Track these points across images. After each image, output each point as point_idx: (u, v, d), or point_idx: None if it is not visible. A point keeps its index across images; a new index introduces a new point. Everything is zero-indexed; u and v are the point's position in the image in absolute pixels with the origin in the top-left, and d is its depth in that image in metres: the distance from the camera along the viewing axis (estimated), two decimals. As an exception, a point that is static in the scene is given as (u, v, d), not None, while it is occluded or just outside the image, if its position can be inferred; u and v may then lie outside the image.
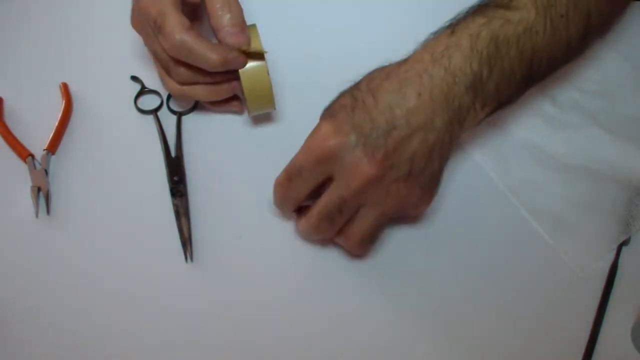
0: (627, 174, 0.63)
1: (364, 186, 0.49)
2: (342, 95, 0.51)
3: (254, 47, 0.56)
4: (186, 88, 0.60)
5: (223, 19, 0.54)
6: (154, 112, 0.66)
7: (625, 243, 0.59)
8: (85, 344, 0.54)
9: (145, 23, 0.57)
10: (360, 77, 0.52)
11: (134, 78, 0.69)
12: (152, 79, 0.68)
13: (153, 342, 0.54)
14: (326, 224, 0.52)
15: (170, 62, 0.58)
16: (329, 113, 0.50)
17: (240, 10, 0.55)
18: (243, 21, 0.55)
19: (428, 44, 0.51)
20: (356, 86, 0.51)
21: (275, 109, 0.61)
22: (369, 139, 0.48)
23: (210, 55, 0.54)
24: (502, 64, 0.51)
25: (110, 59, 0.71)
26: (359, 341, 0.55)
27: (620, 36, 0.72)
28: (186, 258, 0.58)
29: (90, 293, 0.56)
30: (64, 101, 0.66)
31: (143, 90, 0.68)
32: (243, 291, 0.57)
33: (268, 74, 0.57)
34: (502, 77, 0.52)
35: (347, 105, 0.50)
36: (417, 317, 0.56)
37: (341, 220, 0.52)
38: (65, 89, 0.67)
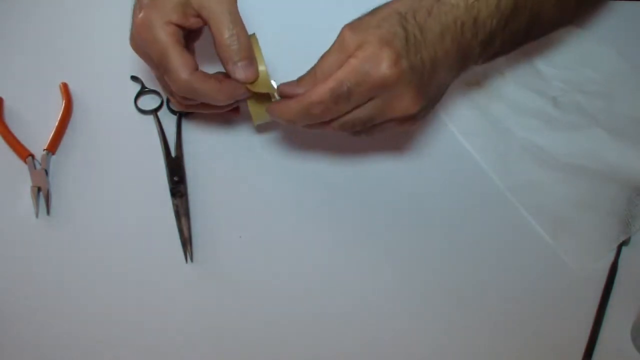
0: (627, 174, 0.63)
1: (399, 118, 0.51)
2: (388, 18, 0.49)
3: (258, 68, 0.54)
4: (190, 105, 0.58)
5: (231, 50, 0.51)
6: (154, 112, 0.66)
7: (625, 243, 0.59)
8: (85, 343, 0.54)
9: (145, 55, 0.54)
10: (400, 2, 0.50)
11: (134, 78, 0.69)
12: (152, 79, 0.68)
13: (153, 342, 0.54)
14: (332, 103, 0.50)
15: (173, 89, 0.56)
16: (385, 39, 0.48)
17: (248, 40, 0.52)
18: (251, 51, 0.53)
19: None
20: (403, 15, 0.49)
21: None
22: (421, 79, 0.49)
23: (217, 96, 0.53)
24: (513, 25, 0.53)
25: (110, 59, 0.71)
26: (360, 340, 0.55)
27: (620, 36, 0.72)
28: (186, 258, 0.58)
29: (90, 293, 0.56)
30: (64, 101, 0.66)
31: (143, 90, 0.68)
32: (243, 291, 0.57)
33: (272, 87, 0.55)
34: (509, 37, 0.54)
35: (399, 35, 0.49)
36: (417, 316, 0.56)
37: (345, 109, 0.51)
38: (65, 89, 0.67)
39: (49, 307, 0.55)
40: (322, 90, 0.49)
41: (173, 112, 0.67)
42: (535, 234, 0.60)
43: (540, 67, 0.70)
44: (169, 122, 0.66)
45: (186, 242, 0.58)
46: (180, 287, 0.57)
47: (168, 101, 0.67)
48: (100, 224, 0.60)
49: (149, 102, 0.67)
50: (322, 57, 0.51)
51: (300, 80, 0.52)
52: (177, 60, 0.51)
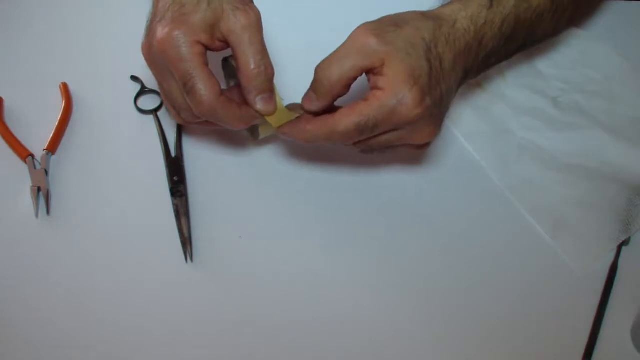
0: (627, 174, 0.63)
1: (416, 145, 0.53)
2: (416, 46, 0.49)
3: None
4: (193, 123, 0.56)
5: (256, 82, 0.50)
6: (154, 112, 0.66)
7: (625, 243, 0.59)
8: (85, 343, 0.54)
9: (160, 69, 0.53)
10: (422, 23, 0.51)
11: (134, 78, 0.69)
12: (152, 79, 0.68)
13: (153, 342, 0.54)
14: (357, 134, 0.51)
15: (183, 106, 0.54)
16: (413, 74, 0.49)
17: (273, 73, 0.51)
18: (272, 83, 0.52)
19: (472, 14, 0.52)
20: (429, 46, 0.50)
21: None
22: (439, 111, 0.51)
23: (236, 123, 0.52)
24: (511, 44, 0.55)
25: (110, 59, 0.71)
26: (360, 340, 0.55)
27: (620, 36, 0.72)
28: (186, 258, 0.58)
29: (90, 293, 0.56)
30: (64, 101, 0.66)
31: (143, 90, 0.68)
32: (243, 291, 0.57)
33: (289, 116, 0.53)
34: (505, 54, 0.56)
35: (425, 69, 0.49)
36: (416, 316, 0.56)
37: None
38: (65, 89, 0.67)
39: (49, 306, 0.55)
40: (348, 122, 0.49)
41: (173, 112, 0.67)
42: (535, 234, 0.60)
43: (540, 67, 0.70)
44: (169, 122, 0.66)
45: (186, 242, 0.58)
46: (180, 287, 0.57)
47: (168, 101, 0.67)
48: (100, 224, 0.60)
49: (149, 102, 0.67)
50: (336, 59, 0.50)
51: (313, 85, 0.51)
52: (205, 83, 0.50)
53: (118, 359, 0.53)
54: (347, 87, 0.51)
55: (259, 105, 0.51)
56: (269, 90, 0.51)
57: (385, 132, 0.51)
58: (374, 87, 0.49)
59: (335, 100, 0.52)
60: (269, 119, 0.53)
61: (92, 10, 0.75)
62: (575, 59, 0.71)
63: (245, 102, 0.52)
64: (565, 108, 0.67)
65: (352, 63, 0.49)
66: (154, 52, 0.52)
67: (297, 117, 0.53)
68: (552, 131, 0.66)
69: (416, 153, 0.64)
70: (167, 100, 0.55)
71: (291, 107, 0.53)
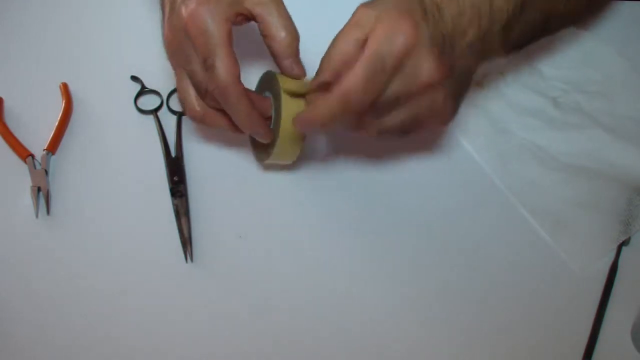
0: (627, 174, 0.63)
1: (425, 88, 0.50)
2: (409, 3, 0.49)
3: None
4: (210, 113, 0.56)
5: (290, 48, 0.53)
6: (154, 112, 0.66)
7: (625, 243, 0.59)
8: (85, 343, 0.54)
9: (187, 47, 0.52)
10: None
11: (134, 78, 0.69)
12: (152, 79, 0.68)
13: (153, 342, 0.54)
14: (372, 84, 0.49)
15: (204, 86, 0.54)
16: (402, 10, 0.48)
17: (299, 38, 0.53)
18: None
19: None
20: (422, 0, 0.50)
21: (293, 160, 0.58)
22: (441, 48, 0.49)
23: (242, 119, 0.52)
24: (529, 13, 0.54)
25: (110, 59, 0.71)
26: (360, 340, 0.55)
27: (620, 36, 0.72)
28: (186, 258, 0.58)
29: (90, 293, 0.56)
30: (64, 101, 0.66)
31: (143, 90, 0.68)
32: (243, 291, 0.57)
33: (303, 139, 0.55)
34: (525, 26, 0.55)
35: (417, 9, 0.48)
36: (416, 316, 0.56)
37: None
38: (65, 89, 0.67)
39: (48, 306, 0.55)
40: (356, 76, 0.47)
41: (173, 112, 0.67)
42: (535, 234, 0.60)
43: (540, 67, 0.70)
44: (169, 122, 0.66)
45: (186, 242, 0.58)
46: (180, 287, 0.57)
47: (168, 101, 0.67)
48: (100, 223, 0.60)
49: (149, 102, 0.67)
50: (337, 38, 0.50)
51: (318, 71, 0.51)
52: (228, 60, 0.50)
53: (118, 358, 0.53)
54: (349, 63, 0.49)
55: (296, 69, 0.53)
56: (298, 54, 0.54)
57: (401, 102, 0.50)
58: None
59: (339, 74, 0.49)
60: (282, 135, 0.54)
61: (92, 11, 0.75)
62: (576, 59, 0.71)
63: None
64: (566, 108, 0.67)
65: (350, 38, 0.48)
66: (177, 34, 0.52)
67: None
68: (552, 131, 0.66)
69: (417, 150, 0.64)
70: (182, 81, 0.55)
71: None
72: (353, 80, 0.47)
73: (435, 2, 0.50)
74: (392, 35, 0.47)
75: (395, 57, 0.47)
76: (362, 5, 0.49)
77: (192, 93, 0.55)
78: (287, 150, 0.56)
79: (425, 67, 0.48)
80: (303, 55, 0.54)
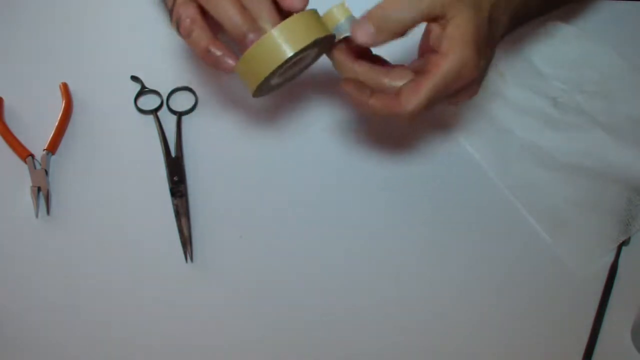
0: (627, 174, 0.63)
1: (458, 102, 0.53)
2: (481, 10, 0.49)
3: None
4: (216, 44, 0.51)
5: None
6: (154, 112, 0.66)
7: (625, 243, 0.59)
8: (85, 343, 0.54)
9: None
10: None
11: (134, 78, 0.69)
12: (152, 79, 0.68)
13: (153, 342, 0.54)
14: (427, 109, 0.50)
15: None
16: (475, 37, 0.48)
17: None
18: None
19: None
20: (493, 9, 0.50)
21: (251, 92, 0.52)
22: (486, 69, 0.51)
23: (230, 25, 0.48)
24: (548, 5, 0.56)
25: (110, 59, 0.71)
26: (360, 339, 0.55)
27: (620, 36, 0.72)
28: (186, 258, 0.58)
29: (90, 293, 0.56)
30: (64, 101, 0.66)
31: (143, 90, 0.68)
32: (243, 291, 0.57)
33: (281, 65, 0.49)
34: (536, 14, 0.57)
35: (485, 29, 0.49)
36: (415, 316, 0.56)
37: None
38: (65, 89, 0.67)
39: (48, 306, 0.55)
40: (417, 103, 0.48)
41: (173, 112, 0.67)
42: (535, 234, 0.60)
43: (540, 67, 0.70)
44: (169, 122, 0.66)
45: (186, 242, 0.58)
46: (180, 287, 0.57)
47: (168, 101, 0.67)
48: (100, 224, 0.60)
49: (149, 102, 0.67)
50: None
51: (376, 24, 0.48)
52: None
53: (118, 358, 0.53)
54: (410, 30, 0.49)
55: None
56: None
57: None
58: (434, 50, 0.48)
59: (393, 40, 0.49)
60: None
61: (92, 10, 0.75)
62: (575, 59, 0.71)
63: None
64: (565, 108, 0.67)
65: (426, 9, 0.47)
66: None
67: (353, 81, 0.50)
68: (552, 131, 0.66)
69: (417, 150, 0.64)
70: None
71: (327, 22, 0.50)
72: (413, 106, 0.48)
73: (497, 18, 0.50)
74: (461, 68, 0.48)
75: (456, 88, 0.49)
76: None
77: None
78: (246, 71, 0.50)
79: (470, 91, 0.51)
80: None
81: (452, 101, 0.52)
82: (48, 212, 0.60)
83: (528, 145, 0.65)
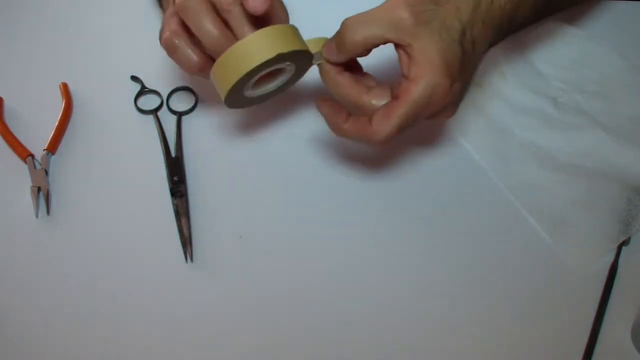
0: (627, 174, 0.63)
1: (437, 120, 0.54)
2: (450, 30, 0.48)
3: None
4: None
5: None
6: (154, 112, 0.66)
7: (625, 243, 0.59)
8: (85, 343, 0.54)
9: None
10: (462, 1, 0.50)
11: (134, 78, 0.69)
12: (152, 79, 0.68)
13: (153, 342, 0.54)
14: (398, 135, 0.51)
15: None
16: (445, 62, 0.48)
17: None
18: None
19: None
20: (463, 31, 0.49)
21: (223, 100, 0.51)
22: (464, 91, 0.51)
23: (203, 30, 0.49)
24: (539, 17, 0.56)
25: (110, 59, 0.71)
26: (359, 340, 0.55)
27: (620, 36, 0.72)
28: (186, 258, 0.58)
29: (90, 293, 0.56)
30: (64, 101, 0.66)
31: (143, 90, 0.68)
32: (243, 291, 0.57)
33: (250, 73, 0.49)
34: (528, 23, 0.56)
35: (458, 55, 0.48)
36: (415, 316, 0.56)
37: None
38: (65, 89, 0.67)
39: (48, 307, 0.55)
40: (388, 129, 0.49)
41: (173, 112, 0.67)
42: (535, 234, 0.60)
43: (540, 67, 0.70)
44: (169, 122, 0.66)
45: (186, 242, 0.58)
46: (180, 287, 0.57)
47: (168, 101, 0.67)
48: (100, 224, 0.60)
49: (149, 102, 0.67)
50: (367, 19, 0.48)
51: (337, 42, 0.50)
52: None
53: (118, 359, 0.53)
54: (368, 51, 0.50)
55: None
56: None
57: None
58: (404, 76, 0.49)
59: (354, 58, 0.51)
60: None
61: (93, 11, 0.75)
62: (575, 59, 0.71)
63: None
64: (565, 108, 0.67)
65: (381, 32, 0.48)
66: None
67: (329, 103, 0.52)
68: (552, 131, 0.66)
69: (417, 150, 0.64)
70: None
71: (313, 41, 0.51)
72: (384, 133, 0.49)
73: (474, 37, 0.50)
74: (431, 95, 0.48)
75: (428, 113, 0.50)
76: (405, 7, 0.48)
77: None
78: (223, 74, 0.50)
79: (446, 113, 0.52)
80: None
81: (429, 121, 0.53)
82: (48, 212, 0.60)
83: (528, 145, 0.65)
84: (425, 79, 0.47)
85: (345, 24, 0.49)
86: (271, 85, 0.53)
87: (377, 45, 0.49)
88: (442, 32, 0.48)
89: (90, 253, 0.58)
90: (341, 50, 0.49)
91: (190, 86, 0.68)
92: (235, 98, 0.52)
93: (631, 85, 0.69)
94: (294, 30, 0.51)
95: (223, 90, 0.50)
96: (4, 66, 0.70)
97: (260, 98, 0.54)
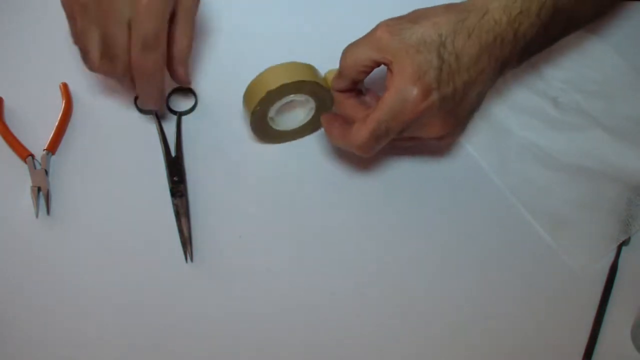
0: (627, 174, 0.63)
1: (430, 138, 0.55)
2: (428, 44, 0.51)
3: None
4: (107, 70, 0.59)
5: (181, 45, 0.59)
6: (154, 112, 0.66)
7: (625, 243, 0.59)
8: (85, 343, 0.54)
9: (122, 5, 0.55)
10: (442, 17, 0.51)
11: (134, 78, 0.69)
12: (152, 79, 0.68)
13: (153, 342, 0.54)
14: (374, 142, 0.54)
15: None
16: (418, 71, 0.50)
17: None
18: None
19: (506, 3, 0.52)
20: (443, 42, 0.51)
21: (251, 128, 0.61)
22: (451, 106, 0.52)
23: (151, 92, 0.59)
24: (552, 30, 0.55)
25: (110, 59, 0.71)
26: (359, 340, 0.55)
27: (620, 36, 0.72)
28: (186, 258, 0.58)
29: (90, 293, 0.56)
30: (64, 101, 0.66)
31: (143, 90, 0.68)
32: (243, 291, 0.57)
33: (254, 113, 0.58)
34: (546, 41, 0.57)
35: (434, 65, 0.50)
36: (415, 316, 0.56)
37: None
38: (65, 89, 0.67)
39: (48, 307, 0.55)
40: (363, 135, 0.52)
41: (173, 112, 0.67)
42: (535, 234, 0.60)
43: (540, 67, 0.70)
44: (169, 122, 0.66)
45: (186, 242, 0.58)
46: (180, 287, 0.57)
47: (168, 101, 0.67)
48: (100, 224, 0.60)
49: (149, 102, 0.67)
50: (357, 45, 0.53)
51: (339, 74, 0.56)
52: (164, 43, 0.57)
53: (118, 359, 0.53)
54: (364, 74, 0.54)
55: (179, 69, 0.61)
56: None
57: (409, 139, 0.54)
58: (386, 87, 0.52)
59: (354, 83, 0.56)
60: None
61: (92, 10, 0.75)
62: (575, 59, 0.71)
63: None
64: (565, 108, 0.67)
65: (366, 54, 0.52)
66: None
67: (331, 114, 0.58)
68: (552, 131, 0.66)
69: (426, 150, 0.64)
70: (89, 41, 0.57)
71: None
72: (360, 138, 0.53)
73: (457, 49, 0.51)
74: (403, 103, 0.50)
75: (403, 122, 0.51)
76: (384, 25, 0.52)
77: (96, 48, 0.57)
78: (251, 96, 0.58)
79: (432, 129, 0.53)
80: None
81: (432, 138, 0.55)
82: (48, 212, 0.60)
83: (528, 145, 0.65)
84: (396, 87, 0.51)
85: (343, 50, 0.54)
86: (295, 119, 0.62)
87: (369, 67, 0.53)
88: (419, 46, 0.50)
89: (91, 253, 0.58)
90: (340, 76, 0.55)
91: (190, 86, 0.68)
92: (263, 128, 0.61)
93: (631, 85, 0.69)
94: (312, 67, 0.58)
95: (248, 112, 0.59)
96: (4, 66, 0.70)
97: (289, 134, 0.63)
